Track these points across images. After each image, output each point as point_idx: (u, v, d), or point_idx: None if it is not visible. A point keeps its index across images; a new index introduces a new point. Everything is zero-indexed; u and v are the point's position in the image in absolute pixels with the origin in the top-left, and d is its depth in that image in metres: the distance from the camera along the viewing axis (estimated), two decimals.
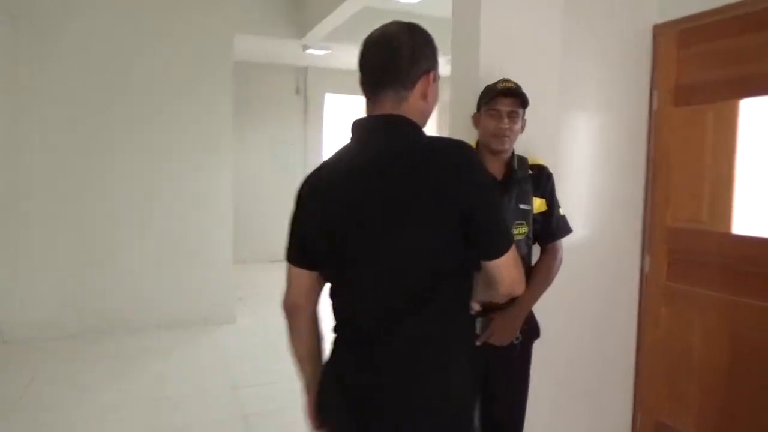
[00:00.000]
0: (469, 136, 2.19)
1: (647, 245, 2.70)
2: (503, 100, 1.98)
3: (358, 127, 1.27)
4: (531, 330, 2.09)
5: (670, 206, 2.60)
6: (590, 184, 2.59)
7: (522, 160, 2.10)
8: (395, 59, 1.22)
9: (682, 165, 2.54)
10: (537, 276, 2.08)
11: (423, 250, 1.16)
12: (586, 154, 2.57)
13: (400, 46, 1.22)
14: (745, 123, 2.30)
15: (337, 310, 1.30)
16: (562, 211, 2.15)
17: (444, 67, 1.43)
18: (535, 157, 2.14)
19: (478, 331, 1.94)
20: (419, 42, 1.25)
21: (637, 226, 2.71)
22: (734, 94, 2.33)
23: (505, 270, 1.21)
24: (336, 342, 1.32)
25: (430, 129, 1.31)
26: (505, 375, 2.09)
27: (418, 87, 1.23)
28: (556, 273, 2.11)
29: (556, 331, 2.25)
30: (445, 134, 2.48)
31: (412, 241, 1.16)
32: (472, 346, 1.37)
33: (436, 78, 1.28)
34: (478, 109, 2.06)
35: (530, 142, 2.13)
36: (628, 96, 2.64)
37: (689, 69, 2.50)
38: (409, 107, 1.22)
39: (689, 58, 2.49)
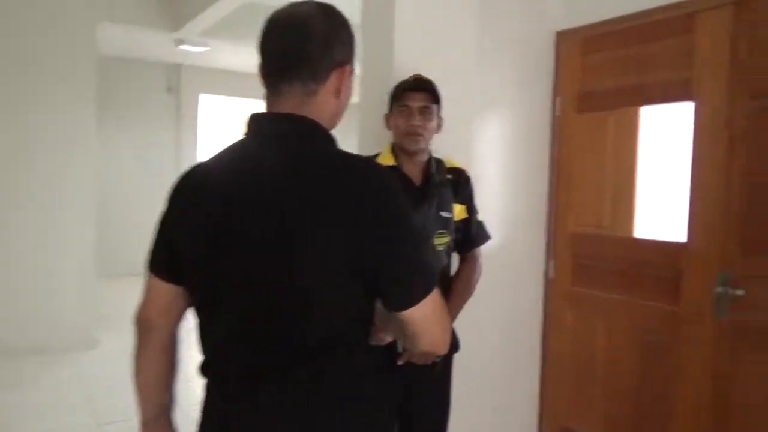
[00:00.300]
0: (381, 140, 2.04)
1: (551, 251, 2.71)
2: (413, 95, 1.85)
3: (254, 123, 1.04)
4: (452, 343, 1.97)
5: (573, 212, 2.63)
6: (496, 189, 2.54)
7: (439, 163, 1.98)
8: (305, 45, 1.00)
9: (584, 171, 2.58)
10: (458, 287, 1.96)
11: (307, 291, 0.95)
12: (492, 158, 2.52)
13: (311, 30, 1.01)
14: (644, 130, 2.37)
15: (203, 345, 1.07)
16: (480, 217, 2.06)
17: None
18: (450, 159, 2.03)
19: (399, 349, 1.78)
20: (335, 26, 1.04)
21: (542, 231, 2.71)
22: (634, 101, 2.40)
23: (422, 323, 0.98)
24: (207, 387, 1.08)
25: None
26: (428, 394, 1.95)
27: (331, 81, 1.03)
28: (477, 282, 2.01)
29: (462, 339, 2.15)
30: (353, 140, 2.34)
31: (294, 278, 0.94)
32: (381, 389, 1.12)
33: (352, 72, 1.08)
34: (390, 108, 1.92)
35: (443, 144, 2.01)
36: (532, 102, 2.64)
37: (592, 76, 2.55)
38: (317, 104, 1.02)
39: (592, 66, 2.54)
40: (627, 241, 2.41)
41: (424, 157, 1.93)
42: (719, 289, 2.09)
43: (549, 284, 2.72)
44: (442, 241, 1.90)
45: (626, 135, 2.41)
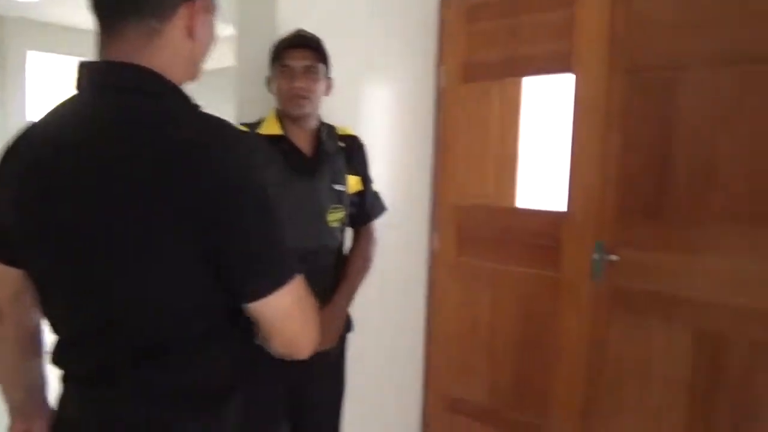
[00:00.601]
0: (263, 108, 1.84)
1: (436, 223, 2.69)
2: (296, 53, 1.66)
3: (84, 74, 0.85)
4: (346, 324, 1.85)
5: (457, 183, 2.62)
6: (380, 159, 2.44)
7: (331, 130, 1.82)
8: None
9: (469, 142, 2.57)
10: (355, 264, 1.84)
11: (142, 281, 0.82)
12: (377, 127, 2.41)
13: None
14: (527, 101, 2.40)
15: (52, 333, 0.94)
16: (375, 188, 1.95)
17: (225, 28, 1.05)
18: (343, 126, 1.88)
19: None
20: None
21: (426, 203, 2.68)
22: (516, 72, 2.42)
23: (273, 320, 0.87)
24: (60, 377, 0.96)
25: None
26: (321, 383, 1.82)
27: (180, 17, 0.86)
28: (373, 258, 1.90)
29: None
30: (231, 107, 2.09)
31: (125, 268, 0.81)
32: (248, 386, 0.99)
33: (209, 8, 0.90)
34: (271, 69, 1.72)
35: (328, 111, 1.86)
36: (418, 70, 2.56)
37: (477, 45, 2.52)
38: (165, 47, 0.85)
39: (477, 35, 2.51)
40: (510, 211, 2.45)
41: (313, 124, 1.76)
42: (595, 256, 2.19)
43: (433, 256, 2.70)
44: (336, 216, 1.75)
45: (510, 106, 2.43)
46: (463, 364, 2.64)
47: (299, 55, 1.66)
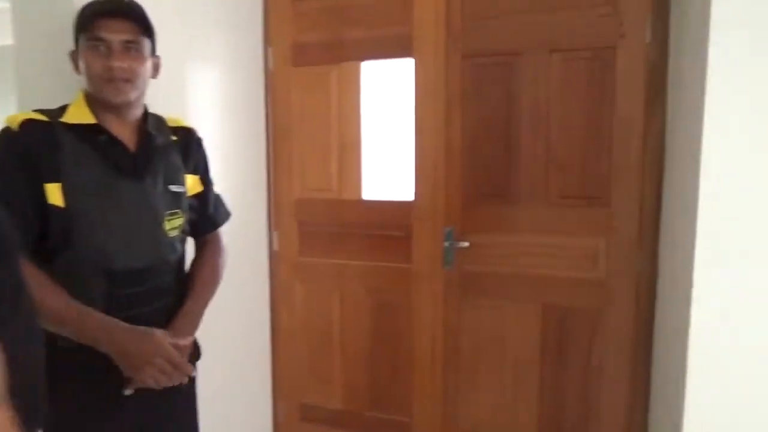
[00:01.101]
0: (50, 94, 1.45)
1: (274, 220, 2.46)
2: (112, 23, 1.31)
3: None
4: (194, 352, 1.56)
5: (296, 176, 2.41)
6: (212, 153, 2.13)
7: (159, 120, 1.50)
8: None
9: (307, 131, 2.37)
10: (201, 279, 1.55)
11: None
12: (207, 116, 2.10)
13: None
14: (369, 86, 2.28)
15: None
16: (217, 189, 1.67)
17: None
18: (173, 116, 1.57)
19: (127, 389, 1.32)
20: None
21: (263, 199, 2.43)
22: (352, 56, 2.28)
23: None
24: None
25: None
26: (176, 417, 1.52)
27: None
28: (222, 271, 1.62)
29: None
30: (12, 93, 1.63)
31: None
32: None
33: None
34: (76, 42, 1.35)
35: (154, 95, 1.53)
36: (245, 51, 2.29)
37: (306, 26, 2.32)
38: None
39: (305, 14, 2.31)
40: (355, 203, 2.32)
41: (138, 113, 1.42)
42: (446, 244, 2.18)
43: (274, 257, 2.47)
44: (175, 224, 1.44)
45: (349, 92, 2.29)
46: (314, 368, 2.47)
47: (117, 26, 1.30)
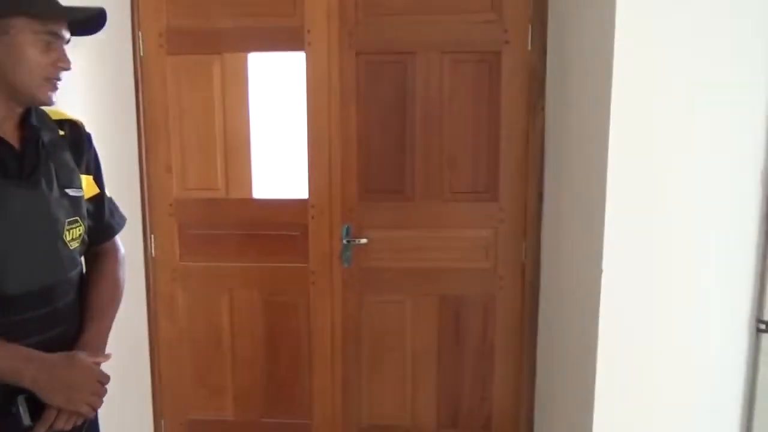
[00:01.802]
0: None
1: (150, 222, 2.23)
2: (61, 22, 1.15)
3: None
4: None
5: (176, 174, 2.21)
6: None
7: (41, 113, 1.27)
8: None
9: (188, 125, 2.18)
10: (103, 295, 1.35)
11: None
12: (63, 106, 1.81)
13: None
14: (258, 79, 2.16)
15: None
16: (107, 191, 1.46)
17: None
18: (54, 108, 1.33)
19: (26, 422, 1.12)
20: None
21: (136, 199, 2.18)
22: (237, 46, 2.13)
23: None
24: None
25: None
26: None
27: None
28: (124, 283, 1.44)
29: None
30: None
31: None
32: None
33: None
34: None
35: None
36: (114, 35, 2.01)
37: (184, 10, 2.12)
38: None
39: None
40: (245, 202, 2.19)
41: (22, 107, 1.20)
42: (344, 241, 2.17)
43: (152, 264, 2.25)
44: (76, 234, 1.24)
45: (236, 84, 2.14)
46: (202, 380, 2.31)
47: (63, 25, 1.15)
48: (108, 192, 1.44)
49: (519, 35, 2.06)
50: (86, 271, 1.37)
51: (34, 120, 1.21)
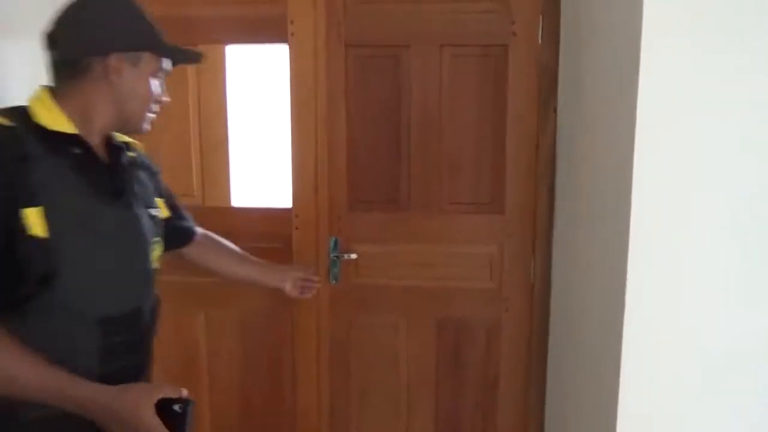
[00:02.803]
0: None
1: None
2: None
3: None
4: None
5: None
6: None
7: (114, 134, 1.21)
8: None
9: (158, 125, 1.96)
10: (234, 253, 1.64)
11: None
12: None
13: None
14: (236, 74, 1.95)
15: None
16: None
17: None
18: None
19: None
20: None
21: None
22: (217, 37, 1.93)
23: None
24: None
25: None
26: None
27: None
28: None
29: None
30: None
31: None
32: None
33: None
34: (127, 49, 1.09)
35: None
36: None
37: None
38: None
39: None
40: (223, 211, 1.98)
41: None
42: (332, 255, 1.94)
43: None
44: (156, 255, 1.23)
45: (212, 80, 1.93)
46: None
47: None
48: None
49: (528, 26, 1.83)
50: (197, 255, 1.54)
51: (115, 140, 1.19)
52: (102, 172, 1.10)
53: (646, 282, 1.17)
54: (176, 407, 1.00)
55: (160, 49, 1.13)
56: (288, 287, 1.61)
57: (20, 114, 1.03)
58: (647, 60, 1.12)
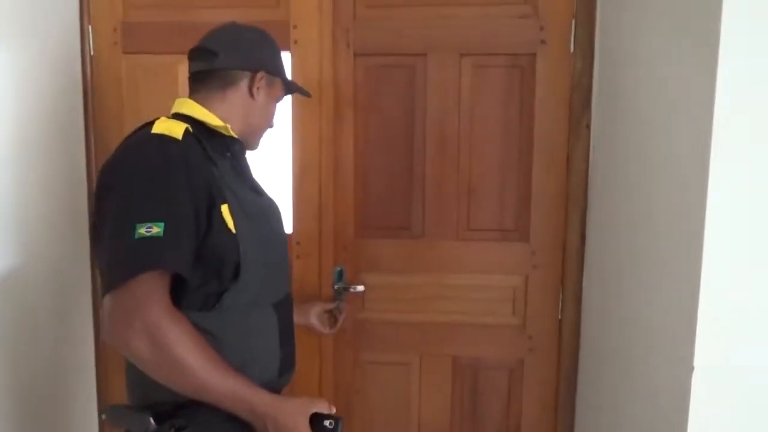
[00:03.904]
0: None
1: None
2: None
3: None
4: None
5: None
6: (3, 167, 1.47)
7: None
8: None
9: None
10: None
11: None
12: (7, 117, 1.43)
13: None
14: None
15: None
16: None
17: None
18: None
19: None
20: None
21: (84, 225, 1.78)
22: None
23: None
24: None
25: None
26: None
27: None
28: None
29: None
30: None
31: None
32: None
33: None
34: (264, 72, 1.23)
35: None
36: (55, 27, 1.63)
37: (144, 1, 1.73)
38: None
39: None
40: None
41: None
42: (336, 286, 1.74)
43: (101, 302, 1.83)
44: None
45: None
46: None
47: None
48: (56, 214, 1.56)
49: (559, 33, 1.64)
50: None
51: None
52: (246, 168, 1.24)
53: (719, 330, 0.97)
54: (327, 423, 1.07)
55: (285, 80, 1.30)
56: (316, 324, 1.60)
57: (185, 121, 1.11)
58: (724, 81, 0.91)
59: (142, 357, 0.96)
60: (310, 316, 1.59)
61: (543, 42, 1.64)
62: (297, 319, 1.44)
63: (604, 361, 1.51)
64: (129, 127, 1.75)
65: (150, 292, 0.96)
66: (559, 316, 1.72)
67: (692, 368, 0.96)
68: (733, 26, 0.90)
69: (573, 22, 1.63)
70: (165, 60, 1.75)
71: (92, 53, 1.75)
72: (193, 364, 0.97)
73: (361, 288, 1.74)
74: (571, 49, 1.64)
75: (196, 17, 1.72)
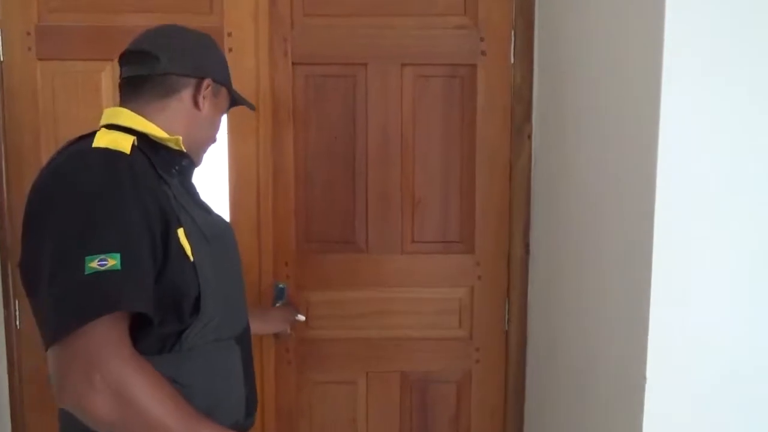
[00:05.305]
0: None
1: (14, 285, 1.66)
2: None
3: None
4: None
5: None
6: None
7: None
8: None
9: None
10: None
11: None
12: None
13: None
14: None
15: None
16: None
17: None
18: None
19: None
20: None
21: None
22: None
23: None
24: None
25: None
26: None
27: None
28: None
29: None
30: None
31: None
32: None
33: None
34: (208, 75, 1.10)
35: None
36: None
37: (60, 3, 1.60)
38: None
39: None
40: None
41: None
42: (277, 304, 1.66)
43: (16, 339, 1.67)
44: None
45: None
46: None
47: None
48: None
49: (499, 44, 1.64)
50: None
51: None
52: (194, 186, 1.11)
53: (670, 338, 0.97)
54: None
55: (231, 90, 1.17)
56: (280, 326, 1.55)
57: (129, 135, 0.96)
58: (669, 90, 0.92)
59: (106, 419, 0.80)
60: (271, 323, 1.53)
61: (483, 53, 1.65)
62: (260, 328, 1.42)
63: (552, 371, 1.51)
64: (46, 141, 1.64)
65: (109, 338, 0.81)
66: (506, 327, 1.72)
67: (645, 379, 0.97)
68: (676, 28, 0.91)
69: (513, 33, 1.64)
70: (86, 67, 1.62)
71: (1, 59, 1.60)
72: (166, 420, 0.83)
73: (302, 317, 1.66)
74: (512, 60, 1.65)
75: (121, 22, 1.60)
